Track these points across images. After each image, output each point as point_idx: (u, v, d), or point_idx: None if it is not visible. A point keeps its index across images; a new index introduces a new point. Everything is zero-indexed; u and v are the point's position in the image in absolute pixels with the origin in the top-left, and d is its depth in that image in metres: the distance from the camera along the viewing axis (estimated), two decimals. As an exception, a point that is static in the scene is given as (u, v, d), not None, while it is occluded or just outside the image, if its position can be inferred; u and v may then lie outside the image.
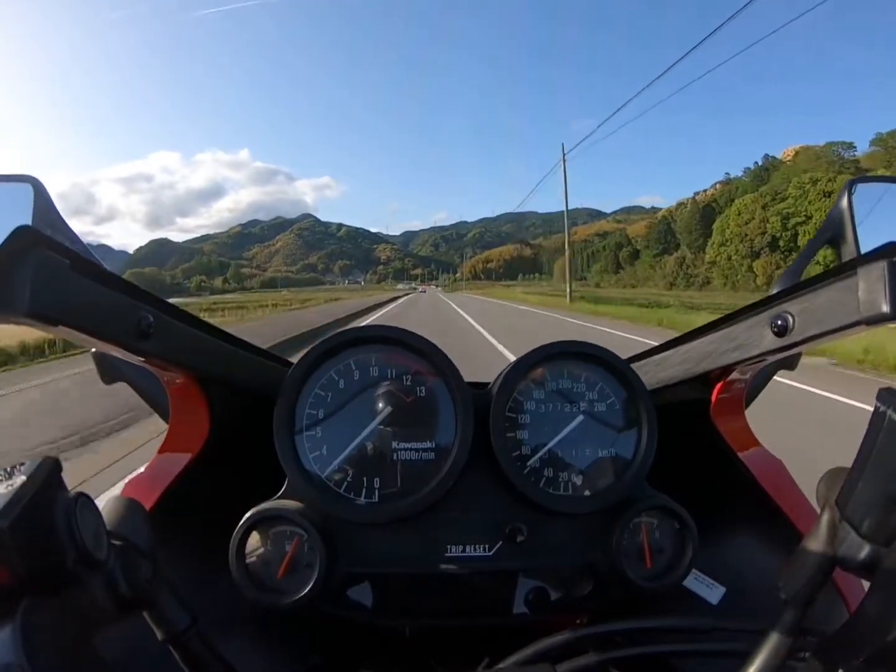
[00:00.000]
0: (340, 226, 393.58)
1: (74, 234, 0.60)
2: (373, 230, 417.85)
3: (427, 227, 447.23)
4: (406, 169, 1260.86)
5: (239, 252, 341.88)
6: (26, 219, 0.56)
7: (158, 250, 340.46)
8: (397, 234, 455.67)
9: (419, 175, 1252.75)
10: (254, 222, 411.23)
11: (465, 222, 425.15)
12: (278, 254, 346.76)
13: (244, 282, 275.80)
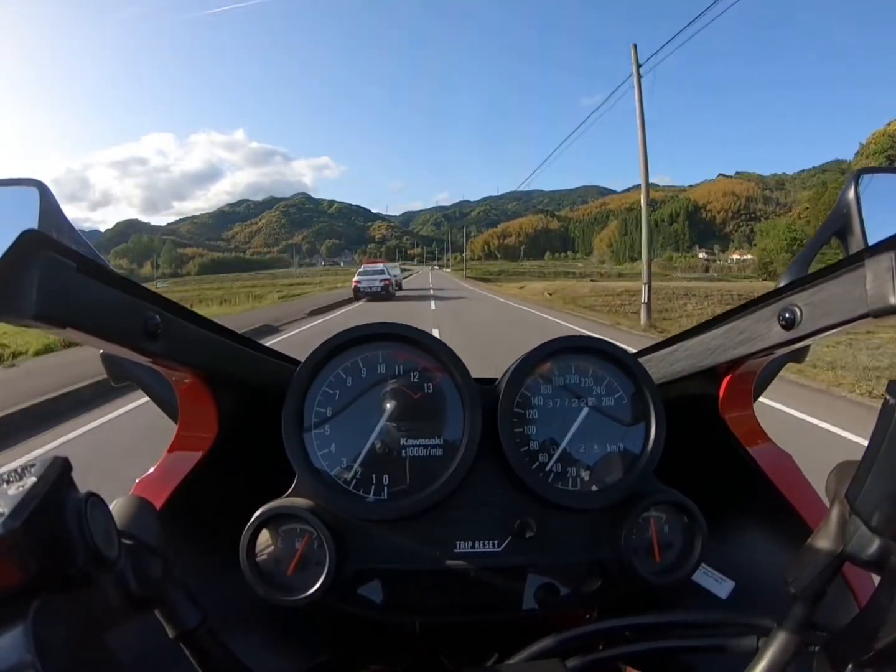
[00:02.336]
0: (332, 202, 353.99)
1: (81, 236, 0.61)
2: (374, 211, 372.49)
3: (428, 206, 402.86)
4: (407, 148, 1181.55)
5: (218, 232, 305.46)
6: (32, 222, 0.56)
7: (124, 231, 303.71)
8: (397, 214, 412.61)
9: (420, 155, 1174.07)
10: (242, 202, 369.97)
11: (468, 201, 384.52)
12: (260, 233, 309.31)
13: (182, 266, 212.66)
